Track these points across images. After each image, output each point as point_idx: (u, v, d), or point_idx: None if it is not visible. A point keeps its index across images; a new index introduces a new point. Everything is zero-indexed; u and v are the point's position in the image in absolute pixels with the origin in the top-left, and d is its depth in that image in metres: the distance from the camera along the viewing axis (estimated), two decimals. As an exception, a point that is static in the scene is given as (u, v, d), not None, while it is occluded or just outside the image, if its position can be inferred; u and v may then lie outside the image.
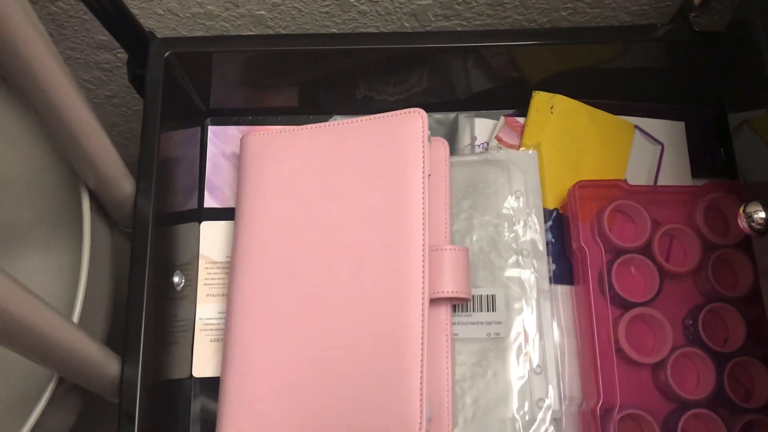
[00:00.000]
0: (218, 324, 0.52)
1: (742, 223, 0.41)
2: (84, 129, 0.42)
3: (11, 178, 0.51)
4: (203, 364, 0.52)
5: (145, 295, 0.46)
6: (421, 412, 0.43)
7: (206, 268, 0.54)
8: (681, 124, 0.57)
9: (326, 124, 0.52)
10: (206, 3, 0.56)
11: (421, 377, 0.44)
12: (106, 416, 0.52)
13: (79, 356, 0.40)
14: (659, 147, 0.56)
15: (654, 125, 0.56)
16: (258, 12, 0.57)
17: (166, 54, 0.51)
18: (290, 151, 0.52)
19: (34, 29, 0.36)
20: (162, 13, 0.57)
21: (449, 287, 0.47)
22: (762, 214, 0.40)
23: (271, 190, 0.51)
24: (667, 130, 0.56)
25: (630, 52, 0.54)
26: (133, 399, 0.44)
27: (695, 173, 0.56)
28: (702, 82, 0.55)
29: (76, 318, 0.44)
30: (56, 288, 0.48)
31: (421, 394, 0.43)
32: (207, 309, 0.53)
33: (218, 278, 0.53)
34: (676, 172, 0.55)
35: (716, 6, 0.56)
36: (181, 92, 0.55)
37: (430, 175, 0.49)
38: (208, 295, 0.53)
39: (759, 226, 0.41)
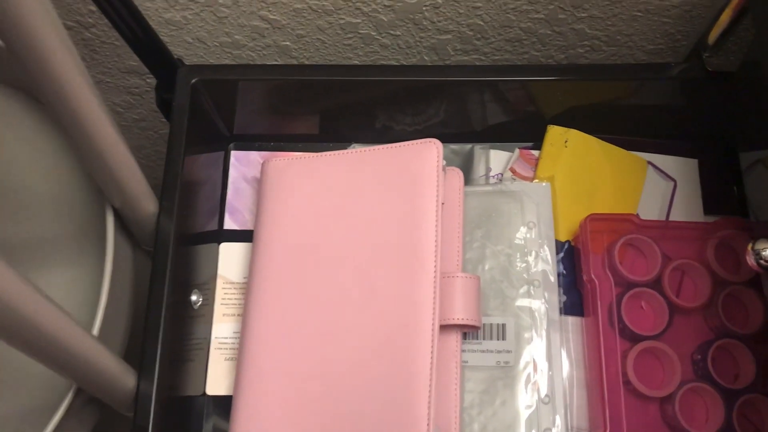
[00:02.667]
0: (233, 343, 0.53)
1: (751, 260, 0.42)
2: (111, 150, 0.44)
3: (40, 193, 0.52)
4: (217, 382, 0.52)
5: (164, 312, 0.47)
6: (427, 436, 0.44)
7: (223, 288, 0.55)
8: (694, 161, 0.58)
9: (344, 151, 0.54)
10: (234, 33, 0.58)
11: (429, 402, 0.44)
12: (120, 430, 0.53)
13: (97, 368, 0.41)
14: (672, 183, 0.57)
15: (667, 162, 0.57)
16: (283, 43, 0.59)
17: (193, 81, 0.53)
18: (309, 176, 0.53)
19: (69, 54, 0.38)
20: (191, 41, 0.59)
21: (460, 314, 0.48)
22: (770, 251, 0.41)
23: (289, 214, 0.52)
24: (680, 167, 0.57)
25: (644, 90, 0.55)
26: (147, 413, 0.45)
27: (708, 210, 0.56)
28: (715, 121, 0.56)
29: (96, 331, 0.45)
30: (78, 301, 0.50)
31: (428, 420, 0.44)
32: (223, 328, 0.54)
33: (235, 298, 0.55)
34: (688, 208, 0.56)
35: (729, 47, 0.57)
36: (206, 118, 0.57)
37: (443, 204, 0.50)
38: (224, 315, 0.54)
39: (767, 263, 0.41)
